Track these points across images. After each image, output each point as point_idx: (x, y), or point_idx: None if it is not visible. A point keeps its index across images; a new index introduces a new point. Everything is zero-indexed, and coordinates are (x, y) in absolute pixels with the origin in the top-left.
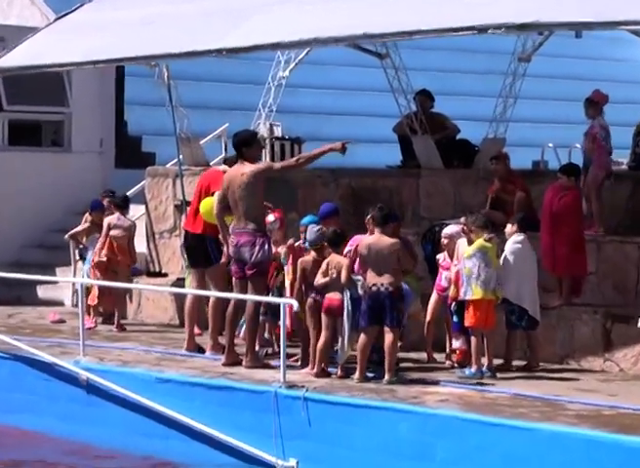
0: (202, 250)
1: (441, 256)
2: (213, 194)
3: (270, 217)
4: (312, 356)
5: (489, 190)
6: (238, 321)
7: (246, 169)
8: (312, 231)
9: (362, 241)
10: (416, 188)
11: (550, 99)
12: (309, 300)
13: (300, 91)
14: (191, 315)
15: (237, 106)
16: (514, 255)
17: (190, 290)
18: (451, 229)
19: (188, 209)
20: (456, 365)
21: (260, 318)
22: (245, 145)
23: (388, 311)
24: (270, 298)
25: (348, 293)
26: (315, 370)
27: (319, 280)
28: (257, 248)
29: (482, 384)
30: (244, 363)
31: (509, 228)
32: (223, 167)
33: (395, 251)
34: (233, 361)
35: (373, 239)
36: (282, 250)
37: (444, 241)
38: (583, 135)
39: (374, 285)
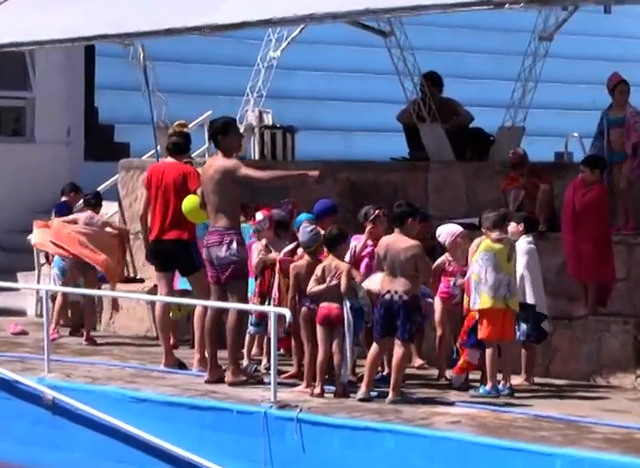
0: (182, 256)
1: (445, 260)
2: (194, 192)
3: (259, 216)
4: (307, 372)
5: (503, 185)
6: (219, 331)
7: (217, 162)
8: (305, 231)
9: (382, 240)
10: (423, 183)
11: (575, 83)
12: (303, 309)
13: (293, 73)
14: (164, 325)
15: (222, 91)
16: (531, 258)
17: (164, 297)
18: (449, 228)
19: (150, 215)
20: (453, 375)
21: (252, 329)
22: (220, 133)
23: (401, 323)
24: (255, 306)
25: (348, 303)
26: (316, 390)
27: (312, 287)
28: (223, 247)
29: (498, 404)
30: (226, 379)
31: (513, 227)
32: (170, 159)
33: (413, 256)
34: (218, 378)
35: (391, 238)
36: (273, 255)
37: (445, 241)
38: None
39: (387, 292)
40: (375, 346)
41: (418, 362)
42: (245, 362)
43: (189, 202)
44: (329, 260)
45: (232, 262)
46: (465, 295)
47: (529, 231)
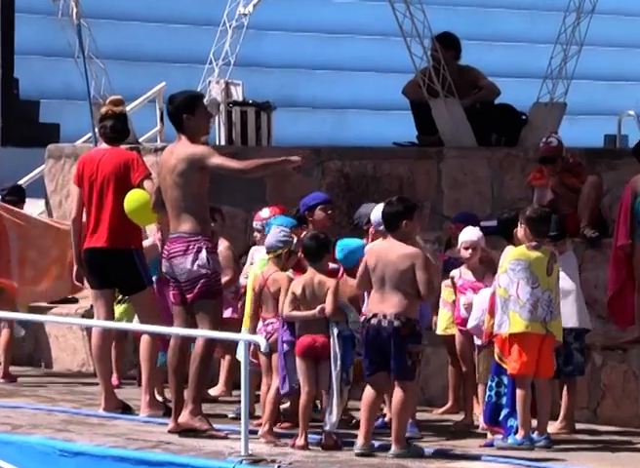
0: (124, 269)
1: (456, 273)
2: (140, 184)
3: (265, 212)
4: (291, 416)
5: (530, 179)
6: (185, 367)
7: (181, 148)
8: (275, 232)
9: (371, 247)
10: (436, 175)
11: (630, 47)
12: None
13: (268, 35)
14: (103, 358)
15: (177, 57)
16: (573, 271)
17: (103, 321)
18: (473, 233)
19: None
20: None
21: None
22: (186, 111)
23: (394, 357)
24: (224, 334)
25: (336, 330)
26: (298, 441)
27: (290, 310)
28: (189, 257)
29: (532, 458)
30: (182, 415)
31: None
32: (106, 146)
33: (410, 267)
34: (187, 427)
35: (383, 246)
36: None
37: (464, 251)
38: None
39: (374, 315)
40: (368, 389)
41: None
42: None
43: (133, 198)
44: (309, 275)
45: (201, 277)
46: (487, 315)
47: (558, 237)
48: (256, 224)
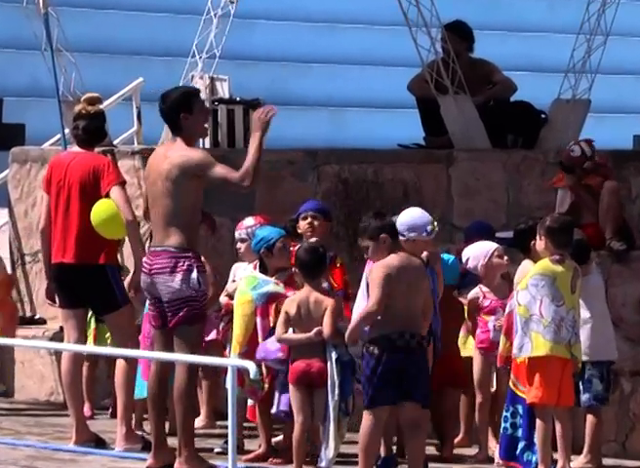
0: (96, 287)
1: (479, 294)
2: (107, 194)
3: (249, 221)
4: (284, 451)
5: (554, 180)
6: (165, 398)
7: (176, 152)
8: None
9: (384, 261)
10: (445, 181)
11: None
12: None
13: (257, 25)
14: (73, 385)
15: (157, 50)
16: (597, 293)
17: (73, 346)
18: (479, 247)
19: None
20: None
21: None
22: (184, 109)
23: (420, 379)
24: (211, 359)
25: (334, 354)
26: None
27: (281, 332)
28: (177, 276)
29: None
30: (176, 464)
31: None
32: (78, 149)
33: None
34: (166, 463)
35: (400, 259)
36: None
37: (477, 265)
38: None
39: (400, 335)
40: (370, 420)
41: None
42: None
43: (100, 209)
44: (305, 293)
45: (190, 300)
46: (503, 336)
47: (580, 262)
48: (239, 234)
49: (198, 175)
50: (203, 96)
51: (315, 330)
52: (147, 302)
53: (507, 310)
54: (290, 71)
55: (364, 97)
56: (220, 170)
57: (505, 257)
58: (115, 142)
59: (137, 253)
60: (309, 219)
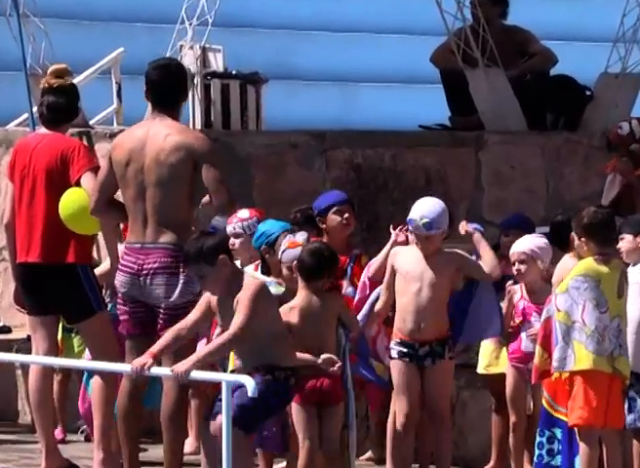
0: (66, 291)
1: (517, 290)
2: (78, 182)
3: (244, 213)
4: None
5: (607, 167)
6: (139, 417)
7: (172, 129)
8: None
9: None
10: (474, 167)
11: None
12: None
13: None
14: (43, 404)
15: (140, 16)
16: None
17: (43, 358)
18: (529, 243)
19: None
20: None
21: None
22: (177, 84)
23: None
24: (203, 374)
25: (349, 369)
26: None
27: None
28: (180, 279)
29: None
30: None
31: (629, 242)
32: (46, 130)
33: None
34: None
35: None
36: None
37: (519, 265)
38: None
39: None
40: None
41: None
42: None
43: (69, 200)
44: (304, 297)
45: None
46: (539, 347)
47: None
48: (233, 227)
49: (196, 163)
50: (194, 69)
51: (324, 356)
52: (120, 306)
53: (544, 316)
54: (294, 40)
55: (379, 70)
56: (218, 174)
57: (523, 266)
58: (91, 123)
59: (113, 251)
60: (347, 214)
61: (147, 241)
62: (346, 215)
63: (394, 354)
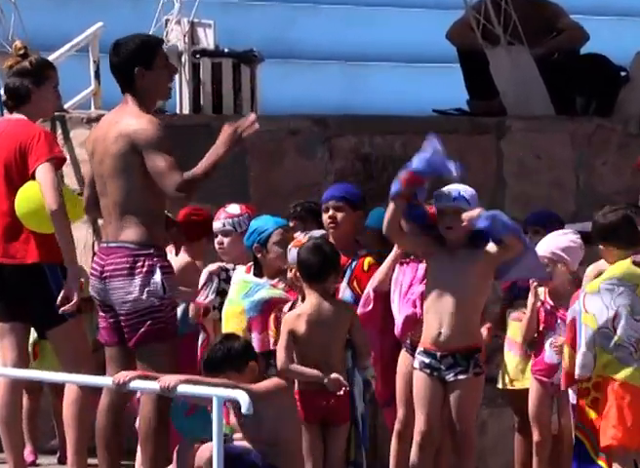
0: (30, 294)
1: (540, 293)
2: (33, 174)
3: (234, 208)
4: None
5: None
6: (121, 436)
7: (127, 118)
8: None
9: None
10: (495, 157)
11: None
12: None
13: None
14: (9, 422)
15: None
16: None
17: (10, 370)
18: (553, 244)
19: None
20: None
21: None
22: (139, 62)
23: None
24: (192, 388)
25: (360, 379)
26: None
27: (289, 361)
28: (136, 280)
29: None
30: None
31: None
32: (11, 115)
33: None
34: None
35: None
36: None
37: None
38: None
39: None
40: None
41: None
42: None
43: (24, 196)
44: (313, 303)
45: (153, 310)
46: (567, 347)
47: None
48: (223, 224)
49: (139, 152)
50: (181, 46)
51: (333, 376)
52: (100, 313)
53: (570, 316)
54: (293, 14)
55: (389, 48)
56: (161, 162)
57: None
58: (66, 106)
59: (68, 252)
60: (331, 212)
61: (110, 239)
62: (330, 213)
63: (416, 364)
